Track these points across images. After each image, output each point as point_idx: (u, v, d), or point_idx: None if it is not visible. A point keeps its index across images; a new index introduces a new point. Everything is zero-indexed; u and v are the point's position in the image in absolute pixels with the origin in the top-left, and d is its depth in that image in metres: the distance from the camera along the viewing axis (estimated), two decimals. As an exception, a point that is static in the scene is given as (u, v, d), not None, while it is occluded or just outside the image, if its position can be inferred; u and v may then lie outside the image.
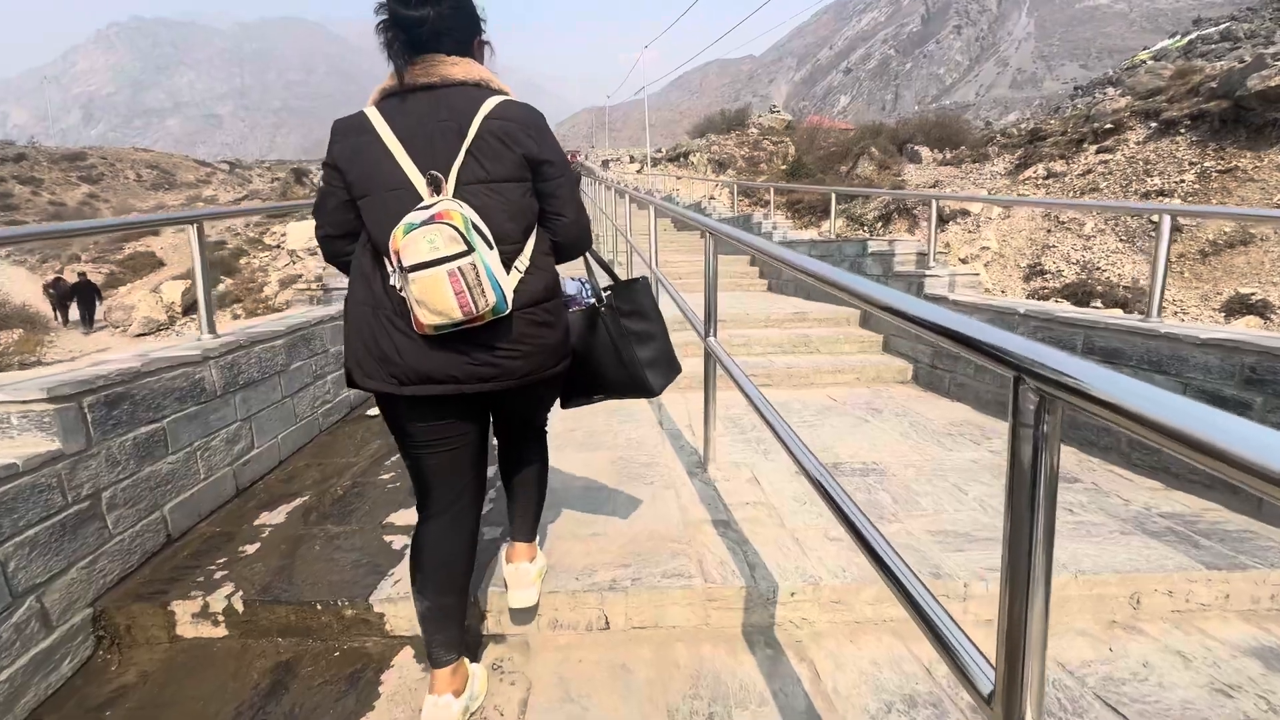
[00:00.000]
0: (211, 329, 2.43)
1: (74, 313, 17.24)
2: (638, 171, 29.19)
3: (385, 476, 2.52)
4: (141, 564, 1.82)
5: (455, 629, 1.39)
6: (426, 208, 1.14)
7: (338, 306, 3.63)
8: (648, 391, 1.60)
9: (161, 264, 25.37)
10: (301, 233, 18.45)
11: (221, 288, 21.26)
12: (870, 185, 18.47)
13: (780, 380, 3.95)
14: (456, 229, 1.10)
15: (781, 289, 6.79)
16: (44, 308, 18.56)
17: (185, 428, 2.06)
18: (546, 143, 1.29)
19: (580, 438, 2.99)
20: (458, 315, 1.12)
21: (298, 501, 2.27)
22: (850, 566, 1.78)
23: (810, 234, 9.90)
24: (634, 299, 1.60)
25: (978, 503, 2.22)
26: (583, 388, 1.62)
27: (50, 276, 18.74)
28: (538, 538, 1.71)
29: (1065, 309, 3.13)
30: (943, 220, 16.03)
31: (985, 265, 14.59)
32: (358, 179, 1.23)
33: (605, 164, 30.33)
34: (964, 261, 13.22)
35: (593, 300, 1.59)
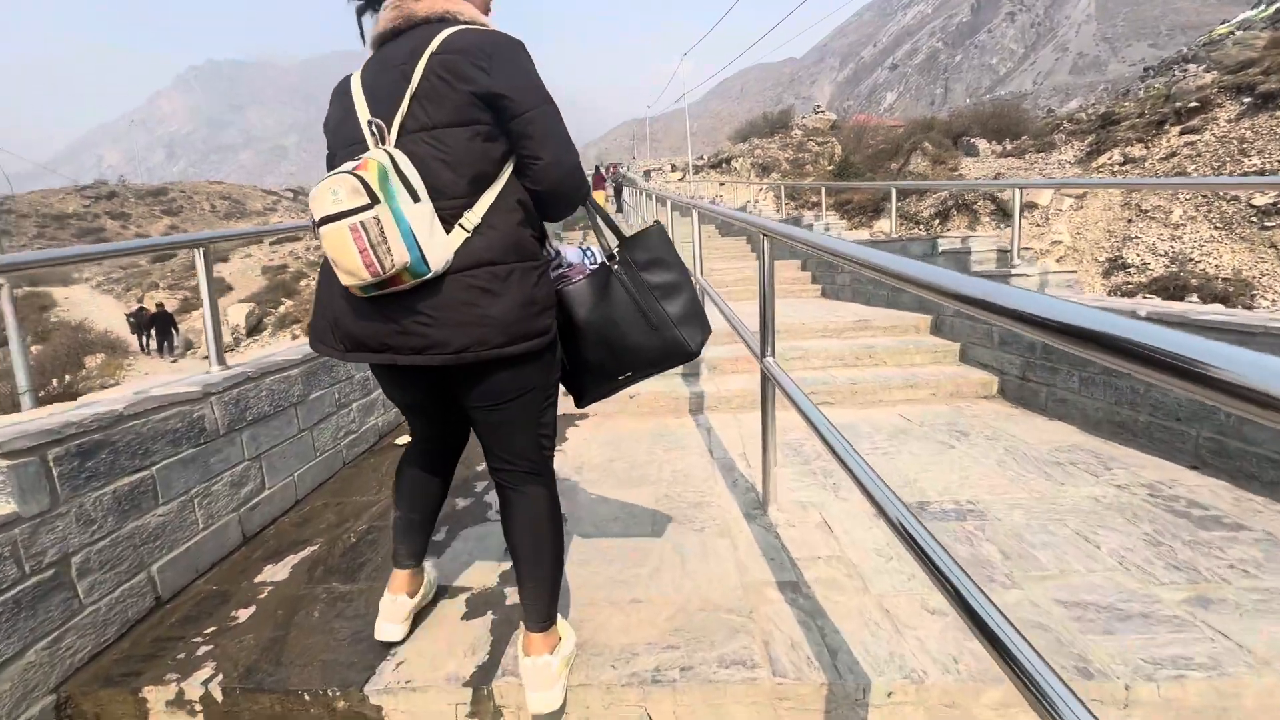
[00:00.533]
0: (221, 360, 2.24)
1: (155, 341, 18.15)
2: (680, 180, 28.93)
3: (405, 519, 2.26)
4: (120, 636, 1.60)
5: (420, 540, 1.50)
6: (361, 158, 1.04)
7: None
8: (687, 353, 1.36)
9: (230, 288, 26.84)
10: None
11: (281, 309, 22.26)
12: (924, 179, 17.57)
13: (844, 398, 3.53)
14: (362, 179, 0.99)
15: (837, 293, 6.31)
16: (127, 333, 19.82)
17: (180, 473, 1.85)
18: (503, 71, 1.09)
19: (621, 470, 2.67)
20: (365, 275, 1.02)
21: (306, 552, 2.04)
22: (962, 654, 1.38)
23: (863, 234, 9.33)
24: (650, 246, 1.38)
25: (1116, 559, 1.76)
26: (605, 370, 1.37)
27: (134, 306, 19.89)
28: (558, 612, 1.35)
29: (1206, 310, 2.60)
30: (1006, 214, 15.01)
31: (1058, 260, 13.52)
32: (330, 136, 1.20)
33: (647, 174, 30.26)
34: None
35: (602, 260, 1.36)
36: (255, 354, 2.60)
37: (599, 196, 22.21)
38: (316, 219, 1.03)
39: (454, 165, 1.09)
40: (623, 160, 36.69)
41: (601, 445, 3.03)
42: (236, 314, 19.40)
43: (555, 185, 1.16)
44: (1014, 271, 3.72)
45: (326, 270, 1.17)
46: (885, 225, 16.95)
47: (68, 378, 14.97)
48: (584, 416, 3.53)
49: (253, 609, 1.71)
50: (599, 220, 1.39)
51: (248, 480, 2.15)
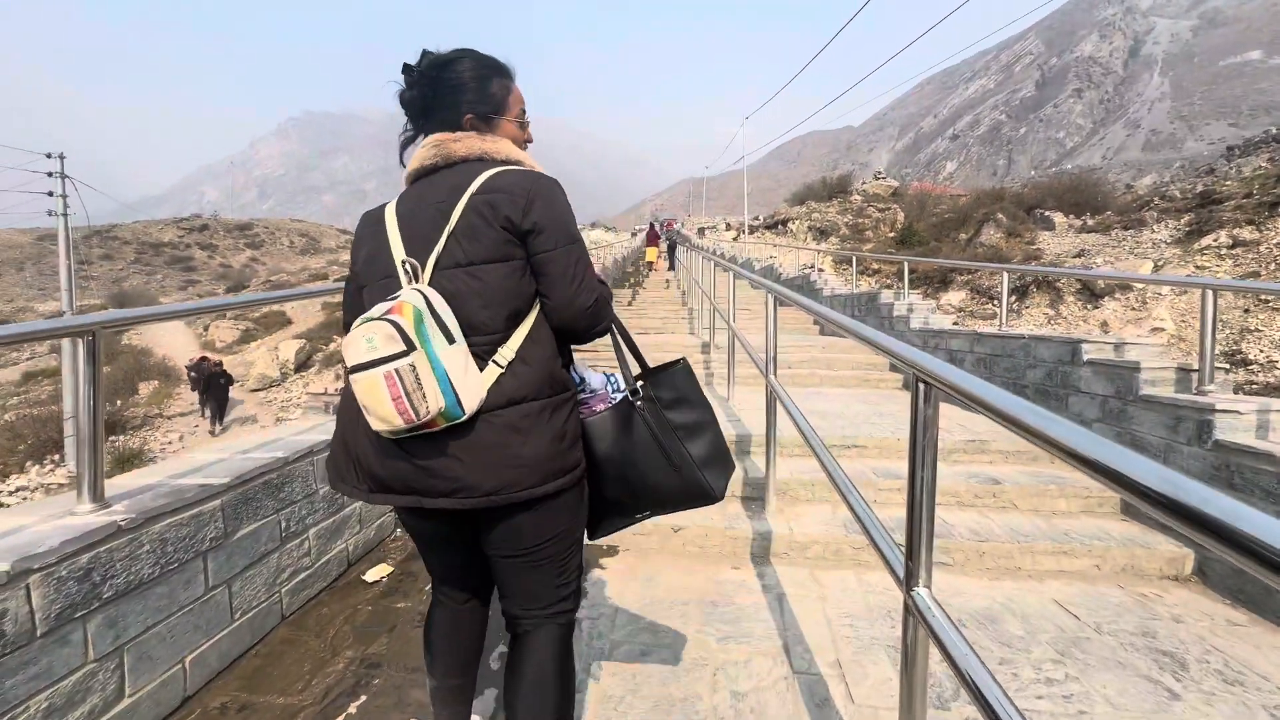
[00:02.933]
0: (96, 495, 1.56)
1: (207, 408, 14.98)
2: (734, 239, 28.59)
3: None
4: None
5: (462, 708, 1.37)
6: (394, 298, 1.03)
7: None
8: (709, 497, 1.26)
9: (289, 322, 27.70)
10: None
11: (332, 346, 22.60)
12: (999, 254, 16.37)
13: (965, 559, 2.58)
14: (397, 325, 0.98)
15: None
16: (183, 363, 20.38)
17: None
18: (536, 209, 1.08)
19: (655, 685, 1.81)
20: (398, 423, 0.98)
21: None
22: None
23: (949, 320, 8.31)
24: (676, 385, 1.29)
25: None
26: (622, 507, 1.28)
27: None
28: None
29: None
30: (1093, 294, 13.65)
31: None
32: (361, 269, 1.19)
33: (701, 231, 30.14)
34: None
35: (624, 393, 1.27)
36: (171, 469, 1.92)
37: (650, 253, 21.89)
38: (349, 365, 1.01)
39: (489, 302, 1.08)
40: (678, 216, 36.81)
41: (629, 618, 2.18)
42: (287, 350, 19.68)
43: (567, 323, 1.14)
44: (1220, 405, 2.71)
45: (348, 407, 1.14)
46: (953, 298, 15.81)
47: (119, 402, 15.22)
48: (612, 552, 2.71)
49: None
50: (624, 350, 1.30)
51: (89, 692, 1.41)
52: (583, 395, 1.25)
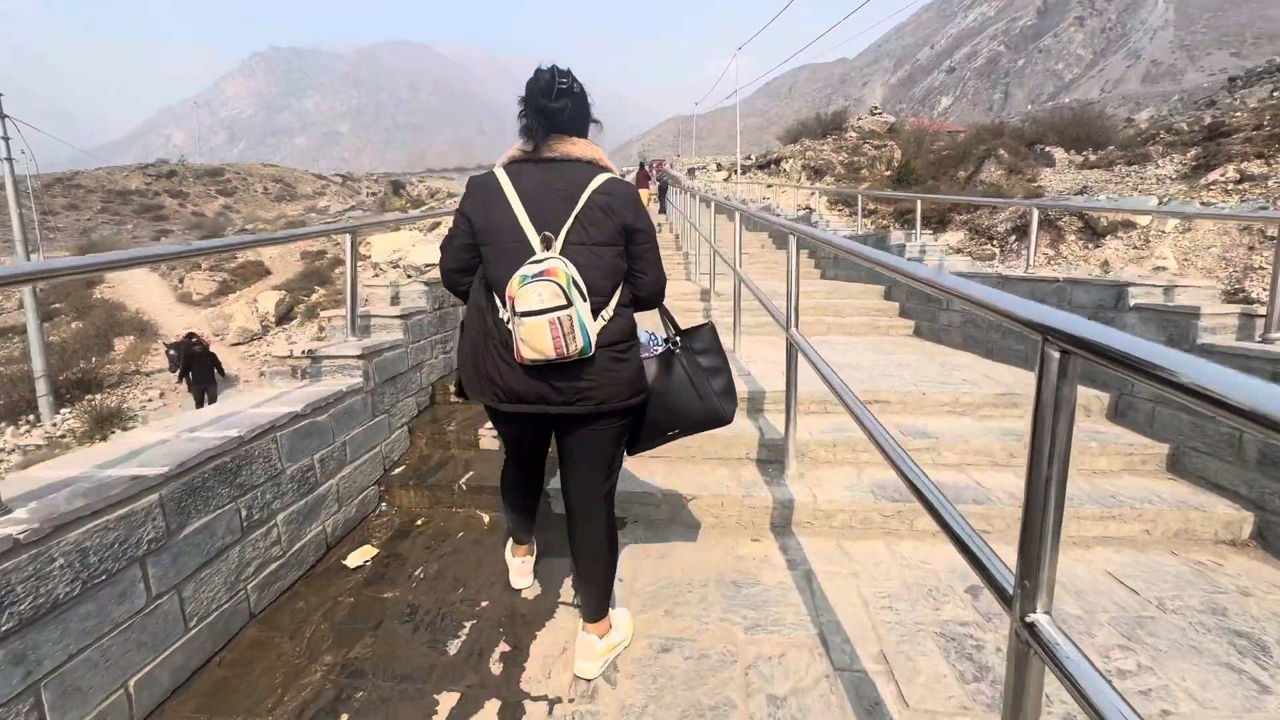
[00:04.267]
0: (-9, 497, 1.25)
1: (193, 389, 11.58)
2: (725, 180, 27.59)
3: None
4: None
5: (527, 524, 2.02)
6: (538, 262, 1.39)
7: (325, 388, 2.46)
8: (722, 419, 1.79)
9: (268, 273, 26.71)
10: (385, 245, 18.38)
11: (314, 297, 21.86)
12: (999, 192, 15.83)
13: (1006, 525, 2.36)
14: (560, 285, 1.34)
15: (938, 335, 5.04)
16: (157, 315, 19.64)
17: None
18: (641, 215, 1.55)
19: (679, 688, 1.58)
20: (551, 354, 1.38)
21: None
22: None
23: (981, 264, 7.89)
24: (704, 339, 1.83)
25: None
26: (658, 426, 1.75)
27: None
28: (610, 612, 1.71)
29: None
30: (1095, 233, 13.30)
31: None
32: (484, 228, 1.51)
33: (691, 172, 29.04)
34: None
35: (666, 345, 1.79)
36: (84, 459, 1.60)
37: (643, 195, 21.08)
38: (519, 311, 1.35)
39: (606, 274, 1.50)
40: (667, 157, 35.38)
41: (644, 602, 1.96)
42: (267, 301, 19.00)
43: (653, 294, 1.64)
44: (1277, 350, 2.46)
45: (475, 339, 1.55)
46: (951, 238, 15.35)
47: (94, 359, 14.65)
48: (620, 524, 2.47)
49: None
50: (668, 314, 1.85)
51: (-3, 742, 1.15)
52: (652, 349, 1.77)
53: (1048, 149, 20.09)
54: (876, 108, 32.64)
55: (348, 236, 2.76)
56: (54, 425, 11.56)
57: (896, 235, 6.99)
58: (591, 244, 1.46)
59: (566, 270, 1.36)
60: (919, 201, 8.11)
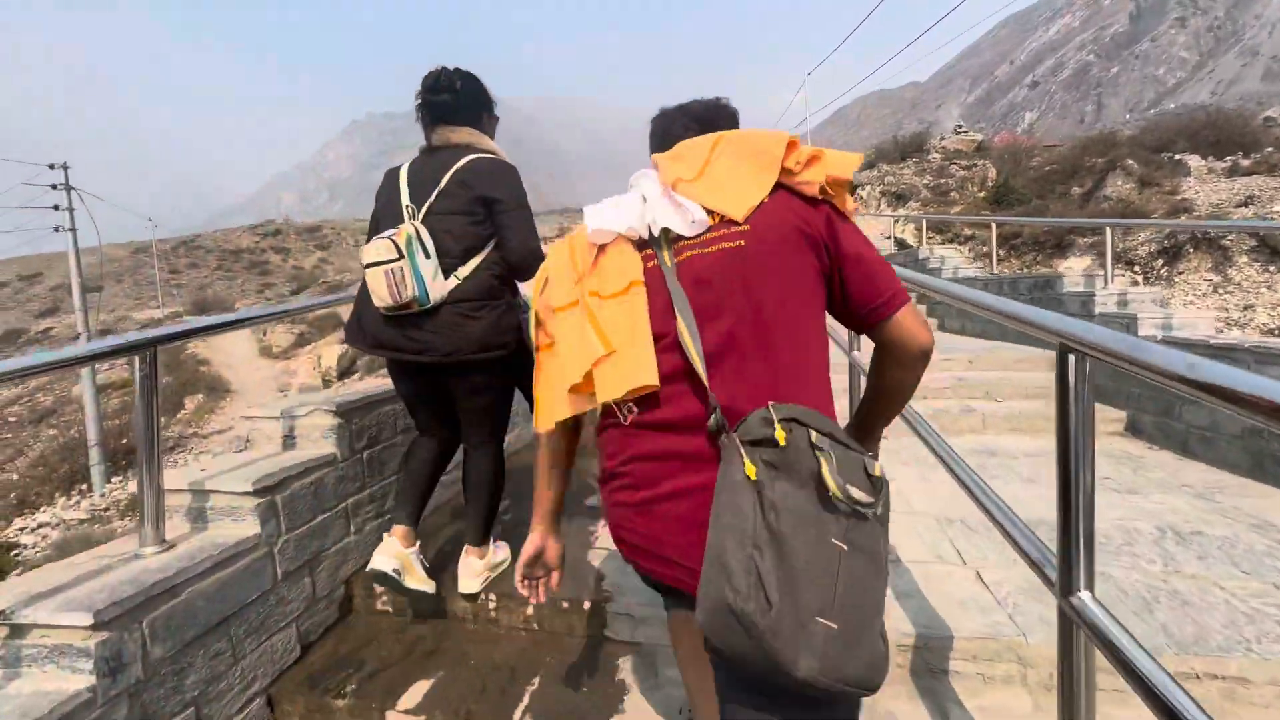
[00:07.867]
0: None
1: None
2: (798, 211, 26.29)
3: None
4: None
5: (415, 505, 2.05)
6: (399, 228, 1.77)
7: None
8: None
9: (342, 324, 27.75)
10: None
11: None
12: (1132, 209, 13.59)
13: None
14: (396, 243, 1.70)
15: (1186, 443, 3.30)
16: (238, 372, 20.47)
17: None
18: (500, 186, 1.86)
19: None
20: (389, 300, 1.71)
21: None
22: None
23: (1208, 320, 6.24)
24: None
25: None
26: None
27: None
28: (490, 539, 2.10)
29: None
30: (1276, 252, 10.95)
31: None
32: (378, 207, 1.95)
33: (761, 205, 28.06)
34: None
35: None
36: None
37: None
38: (364, 264, 1.75)
39: (456, 239, 1.82)
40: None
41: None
42: (330, 355, 19.44)
43: (518, 260, 1.87)
44: None
45: (364, 294, 1.85)
46: (1075, 264, 13.27)
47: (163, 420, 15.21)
48: None
49: None
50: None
51: None
52: (524, 311, 1.94)
53: (1178, 157, 17.62)
54: (961, 125, 30.54)
55: (135, 359, 1.66)
56: (102, 496, 11.77)
57: (1072, 279, 5.28)
58: (445, 214, 1.83)
59: (408, 231, 1.74)
60: (1109, 229, 5.65)
